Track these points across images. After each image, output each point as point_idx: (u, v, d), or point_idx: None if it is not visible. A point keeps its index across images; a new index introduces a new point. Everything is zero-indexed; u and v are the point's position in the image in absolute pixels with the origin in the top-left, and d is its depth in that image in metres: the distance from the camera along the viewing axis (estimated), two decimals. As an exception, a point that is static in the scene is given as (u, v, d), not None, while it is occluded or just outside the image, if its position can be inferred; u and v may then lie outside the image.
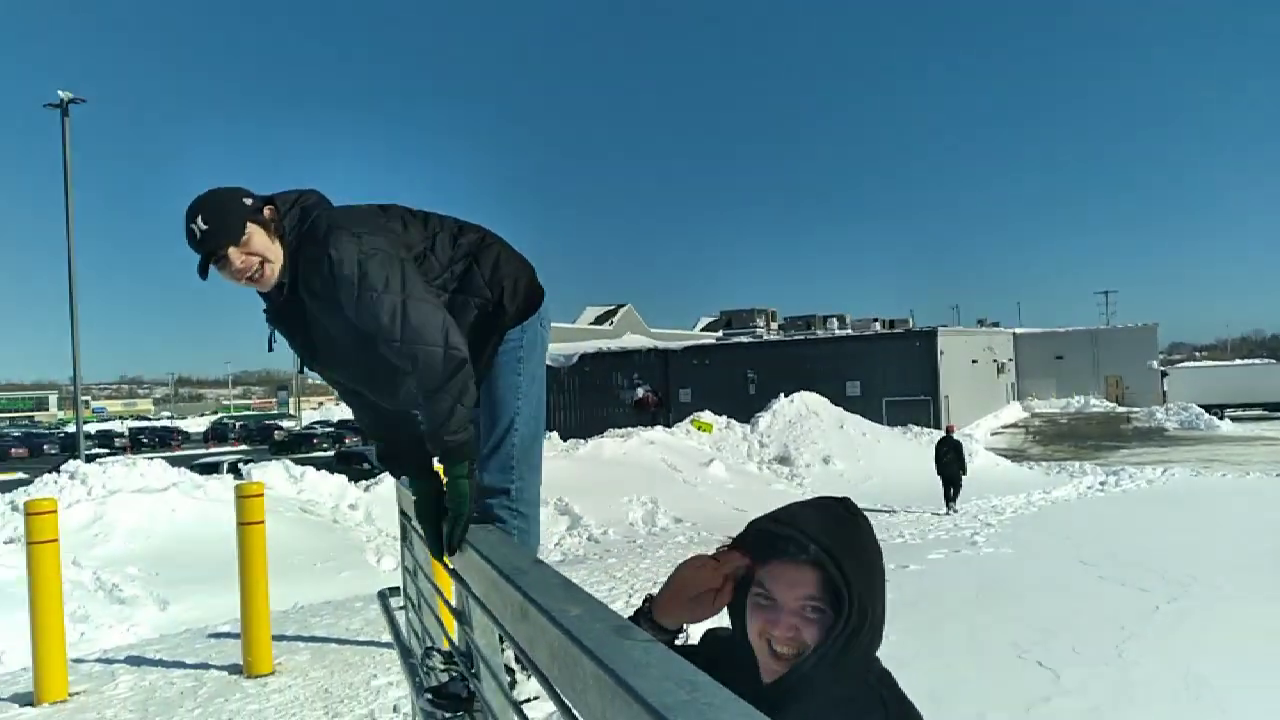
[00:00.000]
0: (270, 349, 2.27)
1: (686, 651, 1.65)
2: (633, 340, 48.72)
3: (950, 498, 15.82)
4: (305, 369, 2.35)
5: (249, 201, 2.06)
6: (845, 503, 1.36)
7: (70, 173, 23.37)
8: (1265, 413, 43.61)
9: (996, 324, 59.80)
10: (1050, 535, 11.95)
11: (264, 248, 2.04)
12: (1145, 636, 6.59)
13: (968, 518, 14.75)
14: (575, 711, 1.10)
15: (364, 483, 15.69)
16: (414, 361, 1.97)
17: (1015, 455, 28.38)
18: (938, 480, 16.16)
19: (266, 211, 2.08)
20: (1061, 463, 25.32)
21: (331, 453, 37.11)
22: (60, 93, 23.63)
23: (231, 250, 2.01)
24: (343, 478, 15.28)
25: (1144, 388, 48.44)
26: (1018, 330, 56.49)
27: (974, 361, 42.50)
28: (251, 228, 2.03)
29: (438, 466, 2.17)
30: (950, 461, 15.84)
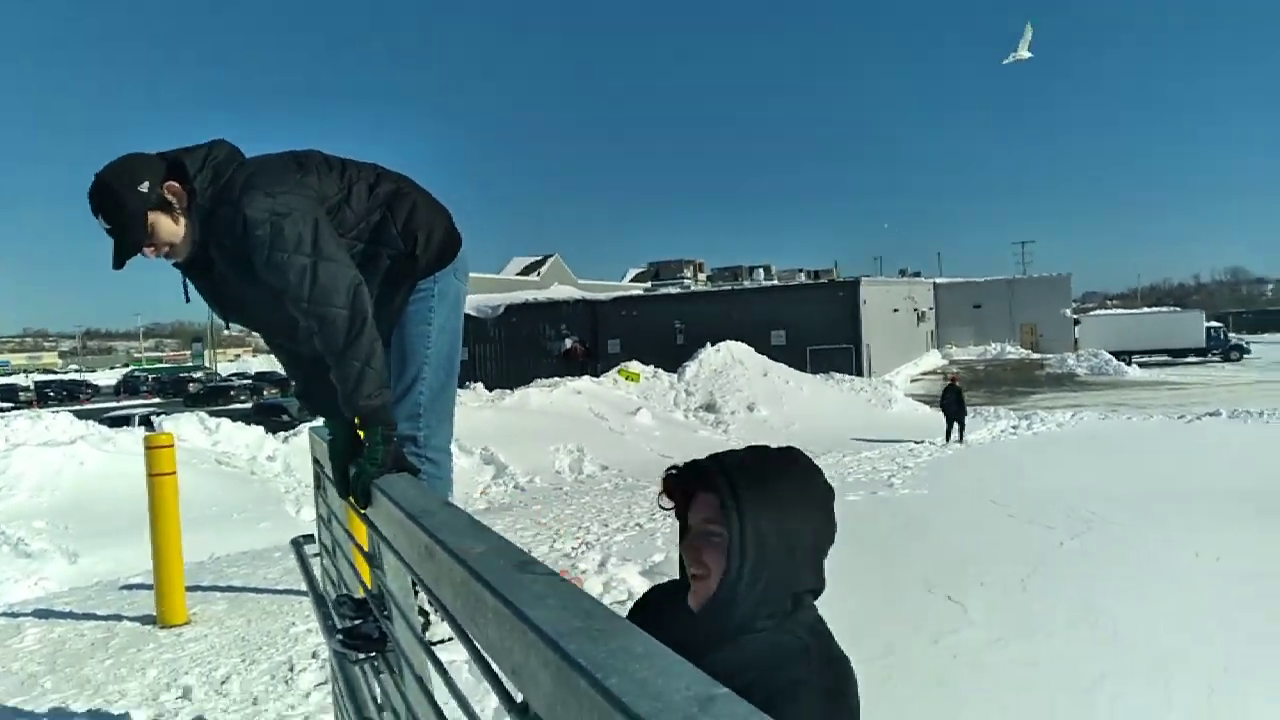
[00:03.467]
0: (187, 299, 2.24)
1: (636, 606, 1.67)
2: (561, 291, 48.42)
3: (959, 434, 18.36)
4: (224, 321, 2.35)
5: (145, 189, 2.01)
6: (787, 450, 1.38)
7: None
8: (1170, 359, 45.64)
9: (918, 274, 61.07)
10: (964, 477, 12.37)
11: (170, 234, 2.05)
12: (1048, 571, 6.90)
13: (885, 460, 15.17)
14: (478, 645, 1.10)
15: (282, 434, 15.38)
16: (320, 322, 1.96)
17: (933, 401, 29.18)
18: (851, 425, 16.95)
19: (169, 190, 2.04)
20: (977, 408, 26.11)
21: (249, 405, 36.31)
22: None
23: (141, 248, 2.05)
24: (260, 429, 14.95)
25: (1058, 335, 50.12)
26: (938, 280, 57.78)
27: (895, 311, 43.41)
28: (154, 218, 2.02)
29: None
30: (951, 403, 18.62)
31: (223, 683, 4.91)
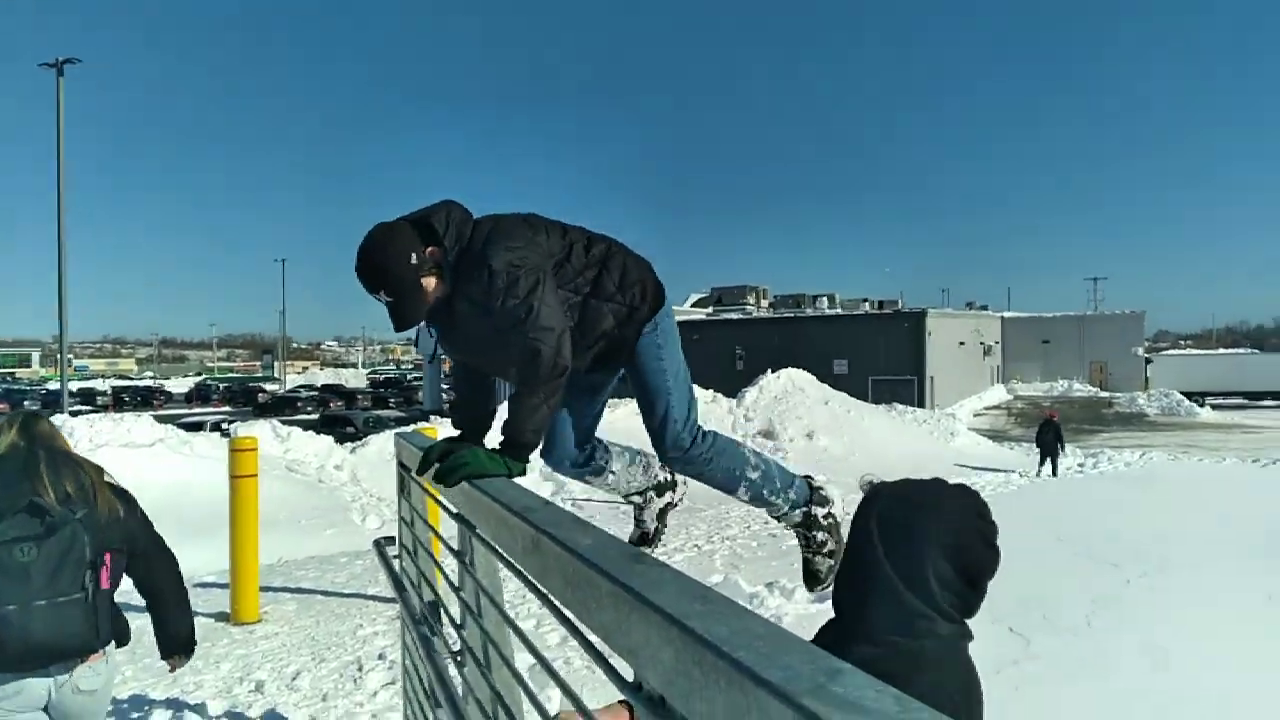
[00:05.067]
0: (428, 337, 2.60)
1: None
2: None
3: (1052, 468, 19.17)
4: (445, 353, 2.65)
5: (415, 260, 2.27)
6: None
7: (63, 131, 23.18)
8: (1245, 401, 44.20)
9: (985, 307, 60.08)
10: (1028, 513, 12.13)
11: (435, 293, 2.32)
12: (1114, 609, 6.76)
13: (948, 495, 14.96)
14: (585, 630, 1.17)
15: (349, 445, 15.72)
16: (533, 355, 2.21)
17: (997, 436, 28.68)
18: (912, 456, 18.02)
19: (431, 253, 2.30)
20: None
21: (315, 416, 37.08)
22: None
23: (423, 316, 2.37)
24: (329, 439, 15.31)
25: (1128, 374, 48.92)
26: (1006, 314, 56.81)
27: (961, 343, 42.79)
28: (425, 284, 2.29)
29: (491, 446, 2.35)
30: (1051, 440, 19.41)
31: (294, 679, 5.06)
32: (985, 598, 1.60)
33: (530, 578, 1.51)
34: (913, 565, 1.48)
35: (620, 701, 1.52)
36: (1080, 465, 20.04)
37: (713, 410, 23.78)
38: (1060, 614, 6.61)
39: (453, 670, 2.40)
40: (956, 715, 1.29)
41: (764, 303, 60.59)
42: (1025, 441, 26.98)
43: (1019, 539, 9.95)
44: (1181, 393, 41.92)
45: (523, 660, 1.87)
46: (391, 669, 5.08)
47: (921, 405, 31.10)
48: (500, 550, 1.81)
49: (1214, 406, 41.21)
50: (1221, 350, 59.04)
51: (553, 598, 1.37)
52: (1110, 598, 7.13)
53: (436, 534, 2.81)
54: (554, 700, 3.56)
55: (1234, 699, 4.95)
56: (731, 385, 26.10)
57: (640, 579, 1.06)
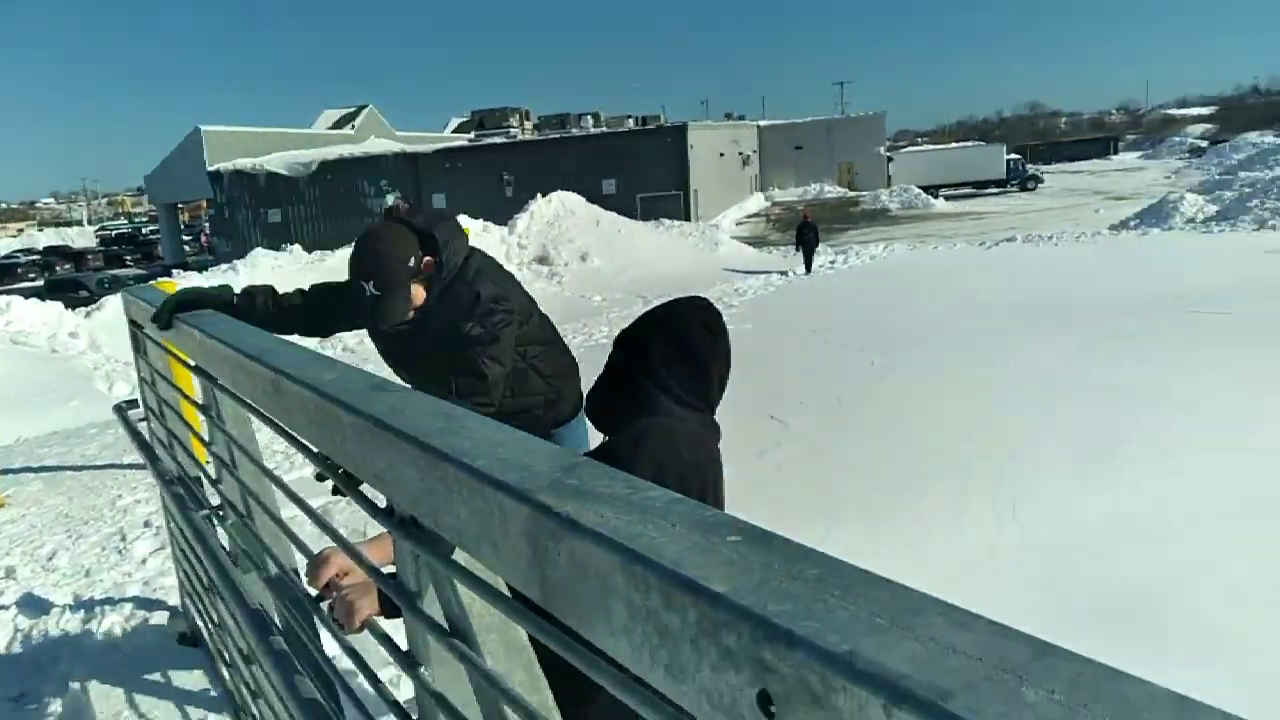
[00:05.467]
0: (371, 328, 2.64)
1: None
2: (378, 145, 45.87)
3: (806, 263, 20.47)
4: (390, 364, 2.74)
5: (412, 263, 2.40)
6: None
7: None
8: (973, 190, 48.63)
9: (743, 117, 61.44)
10: (786, 310, 13.00)
11: (418, 300, 2.46)
12: (862, 389, 7.47)
13: (713, 300, 15.69)
14: (335, 460, 1.13)
15: (83, 310, 14.27)
16: (480, 374, 2.34)
17: (757, 242, 30.14)
18: (685, 268, 17.41)
19: (425, 265, 2.43)
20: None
21: (40, 282, 33.31)
22: None
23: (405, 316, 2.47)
24: (58, 305, 13.79)
25: (872, 173, 52.18)
26: (761, 123, 58.46)
27: (721, 155, 43.85)
28: (414, 289, 2.43)
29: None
30: (810, 239, 20.69)
31: (50, 559, 4.72)
32: (726, 387, 1.75)
33: (276, 421, 1.43)
34: (641, 358, 1.67)
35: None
36: (831, 262, 21.53)
37: (485, 240, 23.35)
38: (814, 398, 7.23)
39: (218, 527, 2.31)
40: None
41: (528, 124, 59.02)
42: (784, 245, 28.56)
43: (779, 335, 10.71)
44: (919, 187, 45.47)
45: (285, 509, 1.81)
46: (159, 535, 4.84)
47: (688, 219, 31.99)
48: (244, 398, 1.70)
49: (947, 198, 45.09)
50: (954, 144, 64.04)
51: (300, 438, 1.31)
52: (857, 379, 7.85)
53: (180, 390, 2.63)
54: (321, 542, 3.53)
55: (967, 453, 5.67)
56: (501, 213, 25.64)
57: (381, 405, 1.01)
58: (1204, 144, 69.75)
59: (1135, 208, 26.66)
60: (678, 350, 1.69)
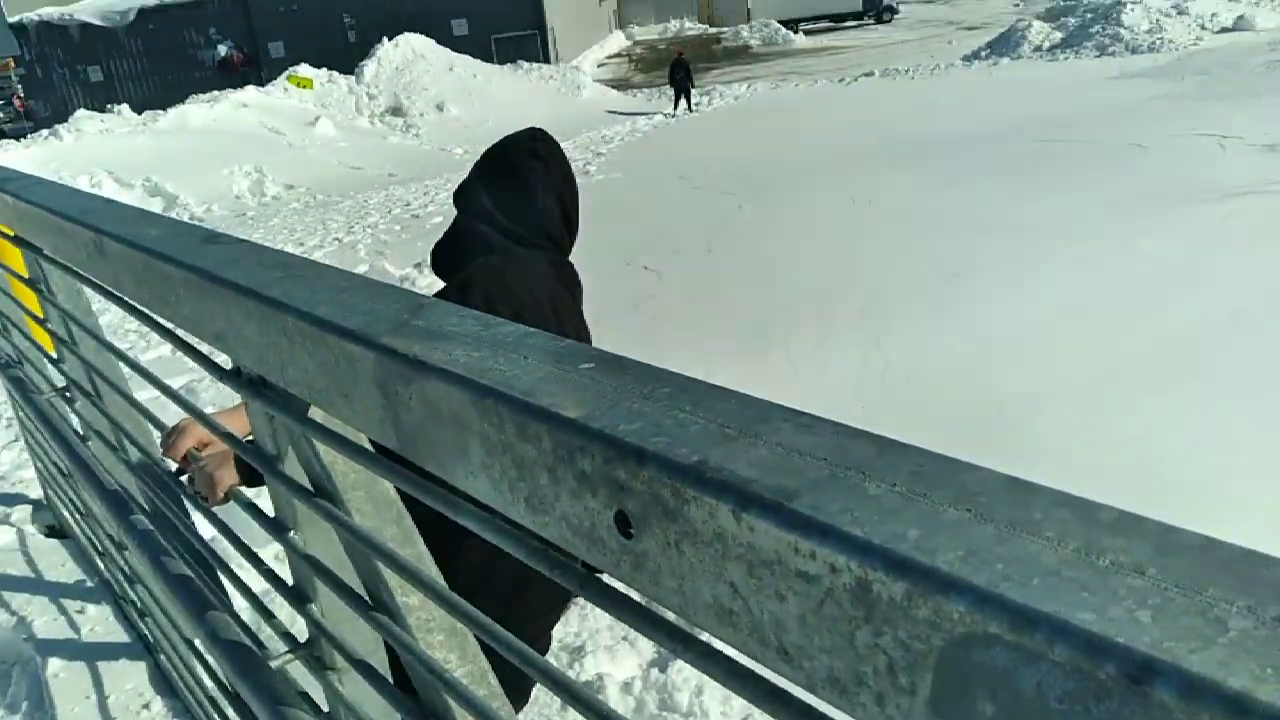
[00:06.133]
0: None
1: None
2: (200, -13, 41.77)
3: (687, 104, 20.59)
4: None
5: None
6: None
7: None
8: (831, 24, 48.35)
9: (596, -49, 58.59)
10: (653, 158, 12.88)
11: None
12: (730, 233, 7.56)
13: (580, 149, 15.38)
14: (170, 324, 1.06)
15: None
16: None
17: (620, 85, 29.41)
18: (554, 115, 17.36)
19: None
20: (661, 88, 26.69)
21: None
22: None
23: None
24: None
25: (732, 7, 51.05)
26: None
27: (577, -9, 41.96)
28: None
29: None
30: (682, 79, 20.64)
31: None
32: (577, 223, 1.72)
33: (106, 287, 1.33)
34: (472, 197, 1.62)
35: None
36: (696, 104, 21.28)
37: (331, 92, 21.98)
38: (685, 245, 7.28)
39: (66, 408, 2.18)
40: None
41: (367, -37, 54.74)
42: (647, 87, 27.99)
43: (646, 183, 10.64)
44: (779, 21, 44.88)
45: (135, 382, 1.71)
46: (10, 426, 4.57)
47: (546, 61, 30.81)
48: (72, 267, 1.57)
49: (806, 33, 44.72)
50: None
51: (133, 302, 1.22)
52: (725, 224, 7.93)
53: (3, 266, 2.42)
54: (176, 414, 3.40)
55: (830, 296, 5.85)
56: (346, 60, 24.10)
57: (213, 259, 0.94)
58: (1052, -29, 70.90)
59: (986, 37, 27.14)
60: (504, 182, 1.62)
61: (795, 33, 43.40)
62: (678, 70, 20.95)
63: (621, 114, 21.30)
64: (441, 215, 10.12)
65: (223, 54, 34.41)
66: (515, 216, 1.60)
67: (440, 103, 21.62)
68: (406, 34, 24.03)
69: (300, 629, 1.11)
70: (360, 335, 0.65)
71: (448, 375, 0.56)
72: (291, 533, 1.04)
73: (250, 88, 22.03)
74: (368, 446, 0.82)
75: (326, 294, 0.76)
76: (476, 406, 0.54)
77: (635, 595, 0.48)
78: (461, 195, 1.66)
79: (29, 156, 14.65)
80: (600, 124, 18.79)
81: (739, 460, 0.40)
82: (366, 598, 0.97)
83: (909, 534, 0.35)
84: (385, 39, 23.62)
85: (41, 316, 2.07)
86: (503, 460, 0.54)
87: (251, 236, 10.62)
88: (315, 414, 0.87)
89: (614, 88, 26.90)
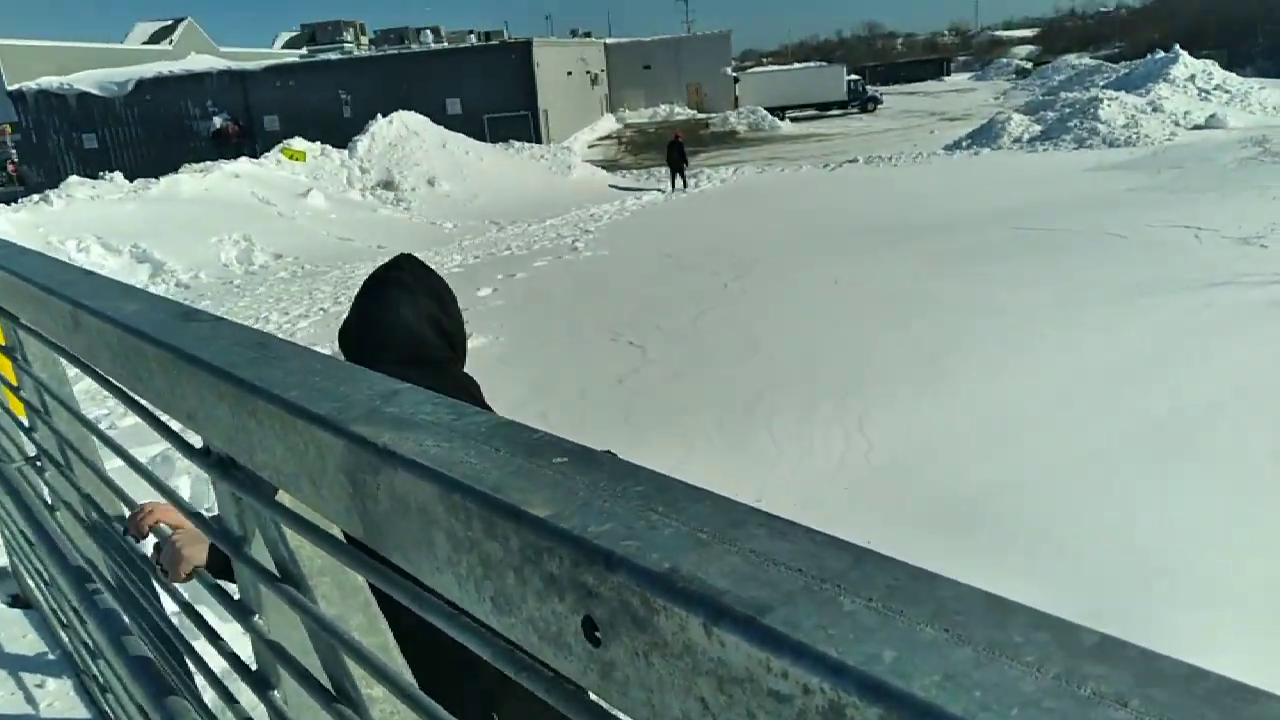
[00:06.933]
0: None
1: None
2: (200, 62, 42.55)
3: (683, 183, 21.54)
4: None
5: None
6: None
7: None
8: (817, 112, 49.63)
9: (589, 34, 60.29)
10: (640, 236, 13.04)
11: None
12: (715, 310, 7.61)
13: (569, 226, 15.57)
14: (143, 400, 1.04)
15: None
16: None
17: (610, 165, 29.93)
18: (543, 193, 18.61)
19: None
20: (650, 169, 27.17)
21: None
22: None
23: None
24: None
25: (720, 93, 52.38)
26: (608, 40, 57.54)
27: (569, 73, 43.01)
28: None
29: None
30: (677, 159, 21.56)
31: None
32: (464, 343, 1.78)
33: (82, 359, 1.31)
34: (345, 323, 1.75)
35: None
36: (683, 188, 21.67)
37: (324, 165, 22.26)
38: (669, 321, 7.32)
39: (36, 477, 2.14)
40: None
41: (364, 39, 56.17)
42: (636, 169, 28.49)
43: (632, 261, 10.74)
44: (765, 108, 46.03)
45: (107, 456, 1.68)
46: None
47: (538, 141, 31.39)
48: (48, 337, 1.56)
49: (793, 119, 45.88)
50: (797, 65, 65.04)
51: (108, 376, 1.20)
52: (710, 302, 7.99)
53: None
54: (149, 495, 3.34)
55: (815, 373, 5.87)
56: (341, 135, 24.43)
57: (188, 336, 0.93)
58: (1029, 65, 73.32)
59: (967, 128, 27.88)
60: (362, 301, 1.74)
61: (782, 119, 44.49)
62: (673, 151, 21.80)
63: (621, 189, 21.89)
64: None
65: (218, 125, 34.89)
66: (368, 331, 1.70)
67: (432, 178, 21.90)
68: (401, 111, 24.47)
69: (262, 715, 1.07)
70: (330, 422, 0.64)
71: (416, 466, 0.55)
72: (256, 617, 1.00)
73: (243, 159, 22.28)
74: (336, 533, 0.80)
75: (298, 377, 0.75)
76: (443, 501, 0.53)
77: (604, 703, 0.47)
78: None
79: (17, 220, 14.68)
80: (590, 202, 19.05)
81: (711, 569, 0.39)
82: (330, 688, 0.94)
83: (884, 655, 0.33)
84: (380, 115, 24.03)
85: (15, 384, 2.04)
86: (469, 558, 0.52)
87: (237, 304, 10.64)
88: (283, 498, 0.85)
89: (604, 168, 27.36)
